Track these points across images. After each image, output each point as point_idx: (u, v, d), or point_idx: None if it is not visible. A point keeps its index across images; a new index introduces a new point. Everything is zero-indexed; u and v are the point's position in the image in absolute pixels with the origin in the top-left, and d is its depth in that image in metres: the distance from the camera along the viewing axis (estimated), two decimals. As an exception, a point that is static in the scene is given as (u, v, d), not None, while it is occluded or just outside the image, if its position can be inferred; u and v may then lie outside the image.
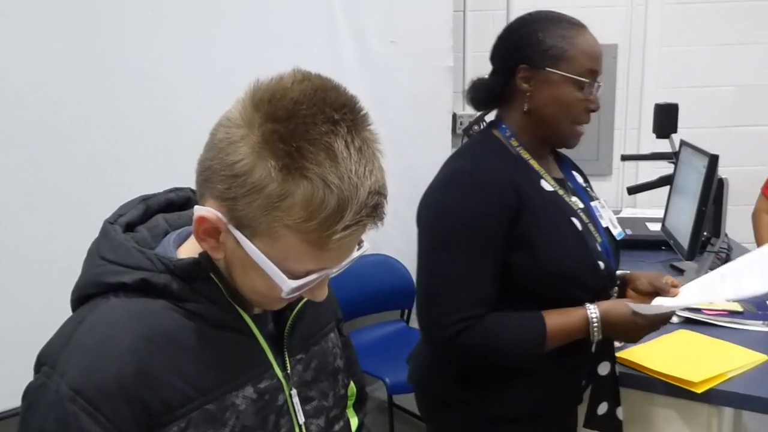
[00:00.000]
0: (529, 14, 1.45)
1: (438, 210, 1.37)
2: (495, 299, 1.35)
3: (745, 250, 2.61)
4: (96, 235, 0.85)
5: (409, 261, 2.81)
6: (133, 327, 0.78)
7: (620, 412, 1.53)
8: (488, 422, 1.43)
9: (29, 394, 0.78)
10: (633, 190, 2.75)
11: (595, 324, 1.36)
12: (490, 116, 1.56)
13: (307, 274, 0.77)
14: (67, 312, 0.84)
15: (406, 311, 2.99)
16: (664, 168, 2.66)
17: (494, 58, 1.47)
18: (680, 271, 2.33)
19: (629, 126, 3.52)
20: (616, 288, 1.53)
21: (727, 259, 2.38)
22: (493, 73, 1.47)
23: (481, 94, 1.48)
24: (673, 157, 2.58)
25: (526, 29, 1.41)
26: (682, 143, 2.48)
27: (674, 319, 1.87)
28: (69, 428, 0.73)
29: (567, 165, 1.59)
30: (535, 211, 1.35)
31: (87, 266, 0.84)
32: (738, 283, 1.35)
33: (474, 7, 3.47)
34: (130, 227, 0.87)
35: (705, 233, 2.27)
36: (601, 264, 1.42)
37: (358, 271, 2.76)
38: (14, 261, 1.69)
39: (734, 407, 1.63)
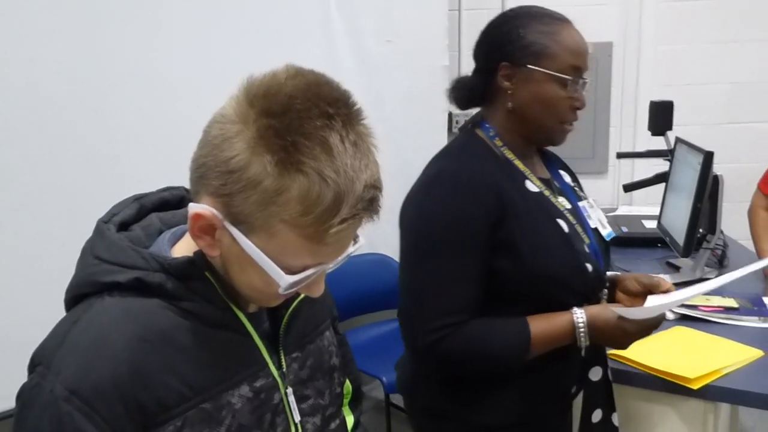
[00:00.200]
0: (511, 10, 1.40)
1: (418, 213, 1.34)
2: (479, 305, 1.31)
3: (740, 247, 2.62)
4: (88, 237, 0.85)
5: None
6: (128, 326, 0.78)
7: (616, 419, 1.50)
8: (476, 431, 1.40)
9: (24, 394, 0.78)
10: (629, 188, 2.76)
11: (582, 329, 1.31)
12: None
13: (304, 269, 0.77)
14: (62, 311, 0.84)
15: (403, 310, 2.97)
16: (660, 165, 2.67)
17: (476, 55, 1.43)
18: (676, 268, 2.34)
19: (625, 124, 3.52)
20: (606, 290, 1.49)
21: (722, 256, 2.39)
22: (475, 72, 1.43)
23: (463, 92, 1.44)
24: (668, 154, 2.59)
25: (506, 26, 1.37)
26: (678, 140, 2.48)
27: (670, 316, 1.88)
28: (64, 428, 0.73)
29: (554, 164, 1.54)
30: (519, 213, 1.32)
31: (81, 265, 0.84)
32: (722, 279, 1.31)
33: (469, 6, 3.48)
34: (123, 226, 0.86)
35: (701, 230, 2.28)
36: (589, 266, 1.38)
37: (354, 270, 2.76)
38: (12, 260, 1.68)
39: (730, 403, 1.64)
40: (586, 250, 1.41)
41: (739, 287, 2.03)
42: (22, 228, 1.71)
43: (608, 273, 1.51)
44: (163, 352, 0.78)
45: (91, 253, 0.83)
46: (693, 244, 2.15)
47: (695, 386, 1.54)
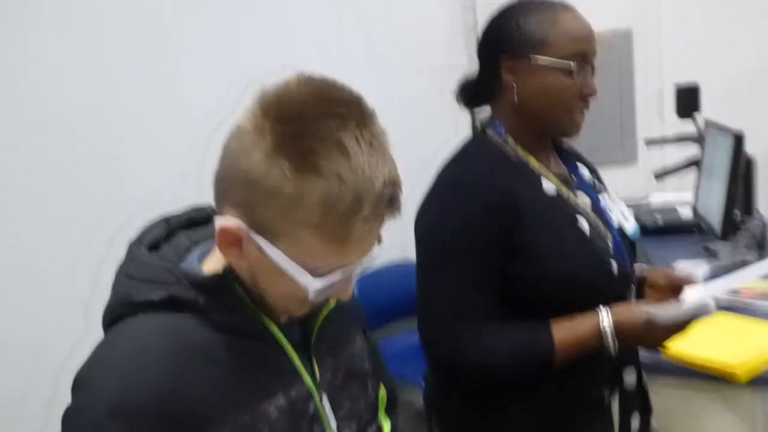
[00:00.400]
0: (509, 3, 1.36)
1: (428, 221, 1.32)
2: (495, 312, 1.27)
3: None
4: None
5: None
6: (165, 344, 0.79)
7: (654, 421, 1.44)
8: None
9: (68, 417, 0.79)
10: (660, 175, 2.71)
11: (609, 332, 1.24)
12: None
13: (331, 272, 0.78)
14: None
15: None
16: (690, 150, 2.62)
17: (479, 53, 1.39)
18: (714, 254, 2.28)
19: (651, 110, 3.47)
20: (634, 288, 1.42)
21: (762, 237, 2.32)
22: (480, 69, 1.39)
23: (469, 91, 1.41)
24: (698, 138, 2.54)
25: (504, 18, 1.34)
26: (707, 123, 2.43)
27: (712, 309, 1.82)
28: None
29: (571, 158, 1.48)
30: (534, 216, 1.27)
31: (115, 287, 0.86)
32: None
33: (482, 6, 3.45)
34: (154, 246, 0.89)
35: (737, 213, 2.23)
36: (614, 264, 1.32)
37: (388, 279, 2.76)
38: (12, 262, 1.68)
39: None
40: (610, 248, 1.35)
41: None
42: (22, 229, 1.70)
43: (636, 266, 1.45)
44: (200, 366, 0.79)
45: (124, 274, 0.85)
46: (730, 227, 2.11)
47: (741, 374, 1.49)
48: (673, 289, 1.36)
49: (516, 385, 1.31)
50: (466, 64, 3.16)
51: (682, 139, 2.71)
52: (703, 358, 1.55)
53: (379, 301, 2.69)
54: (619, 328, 1.24)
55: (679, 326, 1.25)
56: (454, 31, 3.22)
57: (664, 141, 2.95)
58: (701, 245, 2.37)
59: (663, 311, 1.24)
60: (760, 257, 2.11)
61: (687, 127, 2.65)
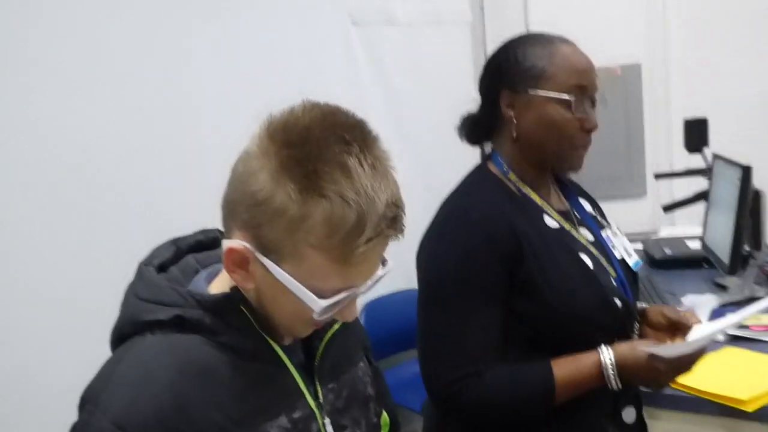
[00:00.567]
0: (510, 38, 1.37)
1: (431, 257, 1.30)
2: (498, 351, 1.26)
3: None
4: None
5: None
6: (170, 362, 0.81)
7: None
8: None
9: None
10: (668, 208, 2.71)
11: (611, 370, 1.22)
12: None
13: (336, 293, 0.79)
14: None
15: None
16: (700, 184, 2.62)
17: (480, 88, 1.39)
18: (724, 288, 2.27)
19: (660, 144, 3.48)
20: (637, 325, 1.40)
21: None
22: (481, 104, 1.39)
23: (470, 127, 1.41)
24: (707, 172, 2.54)
25: (504, 53, 1.34)
26: (715, 157, 2.44)
27: (720, 337, 1.82)
28: None
29: (572, 193, 1.47)
30: (537, 252, 1.26)
31: (124, 307, 0.88)
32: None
33: (494, 36, 3.50)
34: (162, 268, 0.90)
35: (746, 248, 2.22)
36: (618, 301, 1.31)
37: (395, 307, 2.76)
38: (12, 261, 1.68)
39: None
40: (613, 283, 1.34)
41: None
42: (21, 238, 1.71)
43: (639, 305, 1.44)
44: (204, 386, 0.80)
45: (133, 294, 0.87)
46: (738, 261, 2.10)
47: (750, 408, 1.48)
48: (672, 328, 1.35)
49: (518, 423, 1.29)
50: (477, 97, 3.20)
51: (691, 172, 2.71)
52: (710, 393, 1.54)
53: (385, 330, 2.69)
54: (621, 366, 1.22)
55: (683, 365, 1.23)
56: (464, 65, 3.26)
57: (672, 174, 2.96)
58: (710, 279, 2.36)
59: (667, 350, 1.22)
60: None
61: (696, 160, 2.66)
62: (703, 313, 1.99)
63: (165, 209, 1.91)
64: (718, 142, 2.62)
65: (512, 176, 1.35)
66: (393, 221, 0.78)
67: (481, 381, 1.23)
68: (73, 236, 1.76)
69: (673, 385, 1.56)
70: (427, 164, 2.92)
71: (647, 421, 1.45)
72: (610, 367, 1.22)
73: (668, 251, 2.65)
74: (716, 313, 1.96)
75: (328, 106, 0.80)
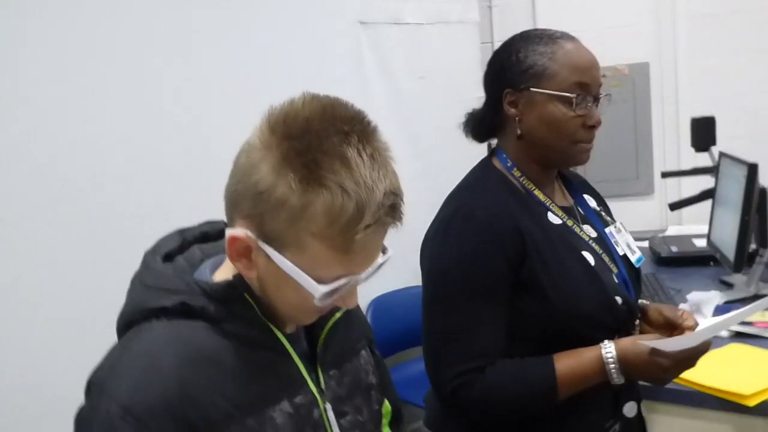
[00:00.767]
0: (514, 35, 1.38)
1: (435, 255, 1.32)
2: (501, 347, 1.27)
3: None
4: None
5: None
6: (175, 348, 0.83)
7: None
8: None
9: (82, 416, 0.83)
10: (674, 206, 2.71)
11: (612, 365, 1.23)
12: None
13: (336, 280, 0.81)
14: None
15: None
16: (707, 183, 2.62)
17: (485, 86, 1.40)
18: (730, 286, 2.28)
19: (668, 143, 3.48)
20: (638, 321, 1.41)
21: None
22: (485, 102, 1.40)
23: (475, 125, 1.42)
24: (714, 170, 2.54)
25: (506, 52, 1.35)
26: (721, 155, 2.45)
27: (724, 333, 1.83)
28: None
29: (577, 189, 1.48)
30: (541, 249, 1.27)
31: (130, 295, 0.90)
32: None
33: (501, 39, 3.51)
34: (168, 257, 0.93)
35: (752, 245, 2.22)
36: (619, 299, 1.31)
37: (401, 304, 2.78)
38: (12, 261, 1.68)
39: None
40: (615, 280, 1.35)
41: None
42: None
43: (640, 302, 1.45)
44: (209, 371, 0.83)
45: (139, 282, 0.89)
46: (744, 259, 2.10)
47: (751, 403, 1.49)
48: (670, 327, 1.35)
49: (520, 417, 1.30)
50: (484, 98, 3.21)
51: (698, 171, 2.71)
52: (713, 387, 1.55)
53: (391, 327, 2.71)
54: (623, 361, 1.23)
55: (685, 360, 1.24)
56: (472, 66, 3.27)
57: (680, 173, 2.96)
58: (716, 276, 2.37)
59: (669, 344, 1.22)
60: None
61: (705, 159, 2.66)
62: (708, 310, 2.00)
63: (172, 212, 1.91)
64: (726, 141, 2.62)
65: (516, 172, 1.36)
66: (391, 209, 0.80)
67: (483, 377, 1.25)
68: (74, 236, 1.76)
69: (675, 380, 1.58)
70: (433, 164, 2.94)
71: (648, 415, 1.47)
72: (611, 362, 1.23)
73: (674, 249, 2.65)
74: (721, 310, 1.97)
75: (328, 98, 0.82)
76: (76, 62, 1.79)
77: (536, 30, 1.37)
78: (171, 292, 0.86)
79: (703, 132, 2.61)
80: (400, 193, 0.81)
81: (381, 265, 0.85)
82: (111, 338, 0.91)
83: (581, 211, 1.44)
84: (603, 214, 1.48)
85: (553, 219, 1.35)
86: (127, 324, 0.88)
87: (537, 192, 1.36)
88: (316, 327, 0.94)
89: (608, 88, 1.38)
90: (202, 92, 2.08)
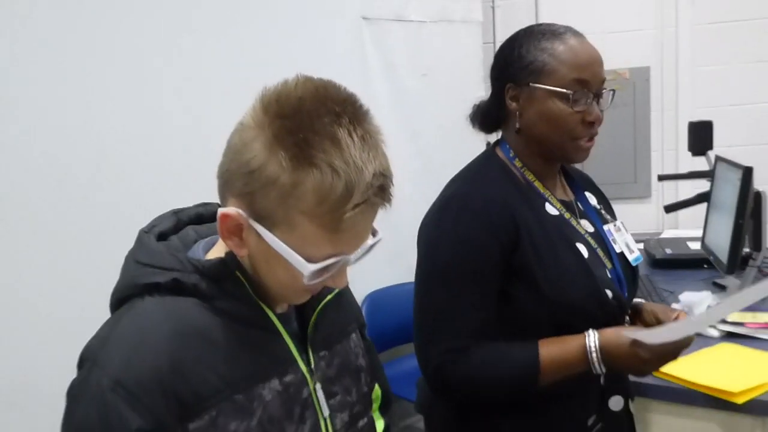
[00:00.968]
0: (518, 31, 1.39)
1: (429, 238, 1.34)
2: (488, 331, 1.29)
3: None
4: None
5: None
6: (167, 324, 0.84)
7: None
8: None
9: (73, 389, 0.84)
10: (670, 209, 2.73)
11: (594, 354, 1.24)
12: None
13: (326, 258, 0.82)
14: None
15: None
16: (704, 187, 2.64)
17: (491, 79, 1.43)
18: (722, 288, 2.29)
19: (666, 147, 3.50)
20: (629, 318, 1.43)
21: (772, 275, 2.33)
22: (490, 95, 1.43)
23: (480, 117, 1.45)
24: (710, 174, 2.56)
25: (509, 47, 1.37)
26: (717, 159, 2.46)
27: (715, 333, 1.84)
28: (110, 416, 0.78)
29: (579, 185, 1.50)
30: (534, 238, 1.29)
31: (124, 271, 0.91)
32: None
33: (504, 38, 3.52)
34: (162, 237, 0.94)
35: (746, 249, 2.24)
36: (609, 292, 1.33)
37: (395, 300, 2.79)
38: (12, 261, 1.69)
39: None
40: (608, 275, 1.36)
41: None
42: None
43: (634, 300, 1.46)
44: (199, 347, 0.84)
45: (132, 259, 0.90)
46: (737, 261, 2.11)
47: (740, 401, 1.50)
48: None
49: (506, 401, 1.32)
50: (485, 97, 3.23)
51: (694, 174, 2.73)
52: (701, 385, 1.56)
53: (386, 322, 2.71)
54: (605, 351, 1.24)
55: (667, 353, 1.25)
56: (474, 64, 3.28)
57: (676, 176, 2.98)
58: (710, 279, 2.38)
59: (650, 336, 1.22)
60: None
61: (701, 165, 2.68)
62: (699, 311, 2.01)
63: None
64: (725, 147, 2.64)
65: (518, 163, 1.38)
66: (380, 190, 0.81)
67: (467, 356, 1.27)
68: (74, 235, 1.77)
69: (664, 376, 1.60)
70: (434, 162, 2.94)
71: (636, 412, 1.48)
72: (594, 350, 1.24)
73: (669, 251, 2.67)
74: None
75: (321, 80, 0.83)
76: (77, 62, 1.79)
77: (541, 25, 1.38)
78: (164, 269, 0.87)
79: (701, 136, 2.63)
80: (390, 175, 0.83)
81: (371, 246, 0.86)
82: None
83: (580, 207, 1.45)
84: (603, 212, 1.50)
85: (551, 210, 1.36)
86: (120, 300, 0.89)
87: (537, 183, 1.38)
88: (307, 308, 0.95)
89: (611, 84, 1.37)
90: (202, 89, 2.07)
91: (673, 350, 1.25)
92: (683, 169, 3.26)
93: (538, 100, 1.32)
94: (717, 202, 2.42)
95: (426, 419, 1.49)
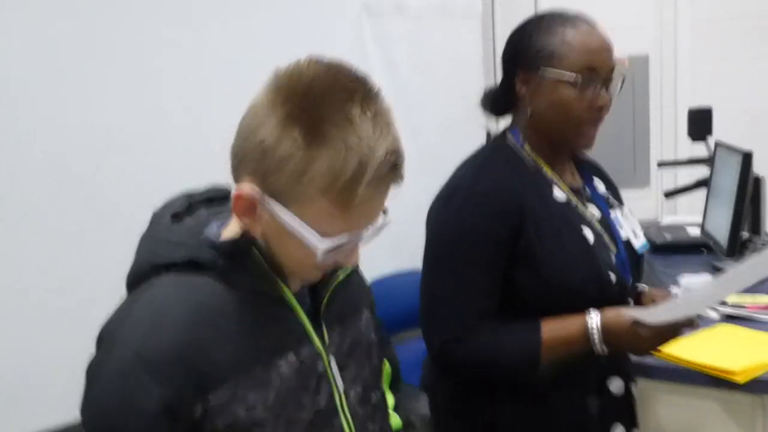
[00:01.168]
0: (529, 17, 1.42)
1: (436, 222, 1.37)
2: (492, 314, 1.32)
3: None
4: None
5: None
6: (185, 300, 0.86)
7: None
8: None
9: (91, 368, 0.86)
10: (670, 194, 2.75)
11: (596, 333, 1.26)
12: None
13: (339, 235, 0.84)
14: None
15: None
16: (703, 174, 2.66)
17: (502, 64, 1.45)
18: (721, 271, 2.32)
19: (665, 135, 3.52)
20: (632, 302, 1.44)
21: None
22: (501, 81, 1.45)
23: (491, 102, 1.47)
24: (709, 160, 2.59)
25: (520, 33, 1.39)
26: (717, 144, 2.49)
27: (714, 315, 1.87)
28: (132, 386, 0.81)
29: (588, 172, 1.52)
30: (540, 223, 1.31)
31: (139, 251, 0.93)
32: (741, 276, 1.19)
33: (503, 34, 3.53)
34: (176, 217, 0.95)
35: (745, 233, 2.27)
36: (612, 276, 1.35)
37: (401, 288, 2.80)
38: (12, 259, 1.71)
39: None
40: (612, 260, 1.38)
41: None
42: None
43: (639, 285, 1.48)
44: (217, 322, 0.86)
45: (147, 239, 0.93)
46: (737, 244, 2.14)
47: (741, 380, 1.52)
48: None
49: (508, 380, 1.35)
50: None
51: (694, 161, 2.75)
52: (702, 364, 1.58)
53: (391, 309, 2.72)
54: (606, 331, 1.27)
55: (667, 333, 1.27)
56: (474, 58, 3.30)
57: (676, 163, 3.00)
58: (709, 263, 2.41)
59: (651, 315, 1.24)
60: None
61: (701, 151, 2.70)
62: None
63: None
64: (725, 133, 2.66)
65: (527, 147, 1.40)
66: (393, 167, 0.83)
67: (472, 336, 1.30)
68: (74, 235, 1.78)
69: (665, 357, 1.61)
70: (435, 157, 2.95)
71: (638, 392, 1.49)
72: (595, 330, 1.27)
73: (668, 237, 2.70)
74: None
75: (332, 60, 0.85)
76: (77, 61, 1.80)
77: (552, 12, 1.40)
78: (180, 247, 0.88)
79: (700, 122, 2.65)
80: (402, 154, 0.84)
81: (382, 227, 0.88)
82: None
83: (588, 193, 1.47)
84: (611, 199, 1.51)
85: (558, 195, 1.38)
86: (136, 280, 0.90)
87: (546, 168, 1.40)
88: (321, 287, 0.97)
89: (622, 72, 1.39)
90: (202, 87, 2.07)
91: (674, 329, 1.27)
92: (682, 157, 3.29)
93: (547, 86, 1.34)
94: (716, 187, 2.44)
95: (432, 398, 1.52)
